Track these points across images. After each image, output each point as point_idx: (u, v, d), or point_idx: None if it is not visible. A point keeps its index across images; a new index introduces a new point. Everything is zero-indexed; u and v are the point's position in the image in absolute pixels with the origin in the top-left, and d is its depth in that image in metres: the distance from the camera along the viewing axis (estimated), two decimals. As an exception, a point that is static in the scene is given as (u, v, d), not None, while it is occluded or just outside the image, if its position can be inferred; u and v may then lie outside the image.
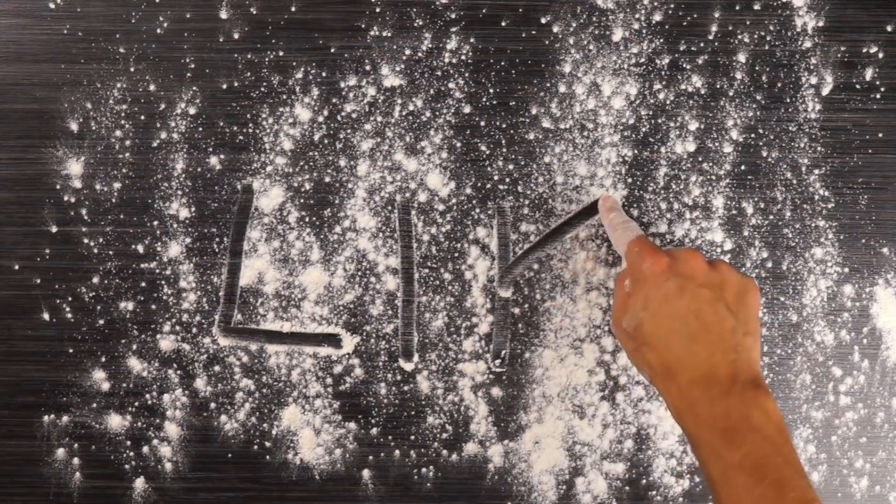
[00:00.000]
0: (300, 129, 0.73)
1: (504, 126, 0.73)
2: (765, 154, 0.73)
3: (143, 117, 0.73)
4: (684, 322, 0.56)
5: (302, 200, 0.73)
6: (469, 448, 0.73)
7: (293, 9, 0.73)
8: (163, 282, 0.73)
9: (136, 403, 0.73)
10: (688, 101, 0.73)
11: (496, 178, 0.73)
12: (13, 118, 0.73)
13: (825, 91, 0.73)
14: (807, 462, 0.73)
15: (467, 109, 0.73)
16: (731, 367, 0.55)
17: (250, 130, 0.73)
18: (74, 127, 0.73)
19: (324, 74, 0.73)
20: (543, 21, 0.73)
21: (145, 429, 0.73)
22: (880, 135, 0.73)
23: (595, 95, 0.73)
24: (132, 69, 0.73)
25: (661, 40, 0.73)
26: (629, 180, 0.73)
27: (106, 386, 0.73)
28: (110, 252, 0.73)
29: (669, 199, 0.73)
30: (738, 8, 0.73)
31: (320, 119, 0.73)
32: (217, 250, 0.73)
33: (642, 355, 0.58)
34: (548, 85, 0.73)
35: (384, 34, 0.73)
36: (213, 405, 0.73)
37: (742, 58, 0.73)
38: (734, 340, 0.56)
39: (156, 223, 0.73)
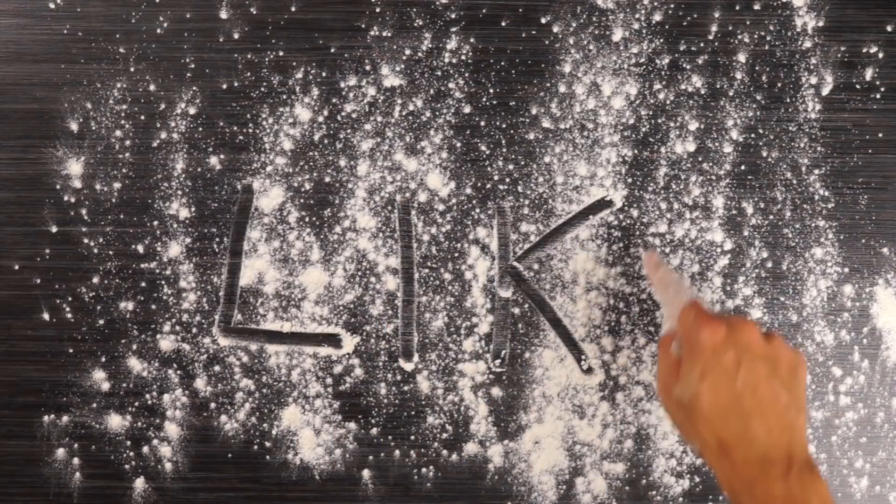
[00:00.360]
0: (300, 129, 0.73)
1: (504, 126, 0.73)
2: (765, 154, 0.73)
3: (143, 117, 0.73)
4: (741, 397, 0.55)
5: (302, 200, 0.73)
6: (469, 448, 0.73)
7: (293, 9, 0.73)
8: (163, 282, 0.73)
9: (136, 403, 0.73)
10: (688, 101, 0.73)
11: (496, 178, 0.73)
12: (13, 118, 0.73)
13: (825, 91, 0.73)
14: (807, 462, 0.73)
15: (467, 109, 0.73)
16: (788, 447, 0.55)
17: (250, 130, 0.73)
18: (74, 127, 0.73)
19: (324, 74, 0.73)
20: (543, 21, 0.73)
21: (145, 429, 0.73)
22: (880, 135, 0.73)
23: (595, 95, 0.73)
24: (132, 69, 0.73)
25: (661, 40, 0.73)
26: (629, 180, 0.73)
27: (106, 386, 0.73)
28: (110, 252, 0.73)
29: (669, 199, 0.73)
30: (738, 8, 0.73)
31: (320, 119, 0.73)
32: (217, 250, 0.73)
33: (695, 428, 0.57)
34: (548, 85, 0.73)
35: (384, 34, 0.73)
36: (213, 405, 0.73)
37: (742, 58, 0.73)
38: (788, 419, 0.55)
39: (156, 223, 0.73)
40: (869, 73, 0.73)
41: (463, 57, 0.73)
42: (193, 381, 0.73)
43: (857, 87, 0.73)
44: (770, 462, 0.54)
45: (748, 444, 0.55)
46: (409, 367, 0.73)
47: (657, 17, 0.73)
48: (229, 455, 0.73)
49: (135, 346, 0.73)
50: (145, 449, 0.73)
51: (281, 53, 0.73)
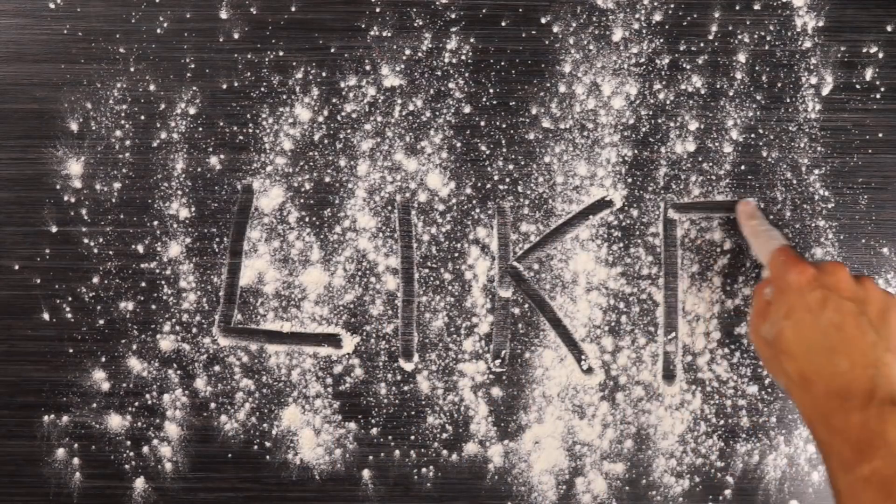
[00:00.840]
0: (300, 129, 0.73)
1: (504, 126, 0.73)
2: (765, 154, 0.73)
3: (143, 117, 0.73)
4: (826, 333, 0.57)
5: (302, 200, 0.73)
6: (469, 448, 0.73)
7: (293, 9, 0.73)
8: (163, 282, 0.73)
9: (136, 403, 0.73)
10: (688, 101, 0.73)
11: (496, 178, 0.73)
12: (13, 118, 0.73)
13: (825, 91, 0.73)
14: (807, 462, 0.73)
15: (467, 109, 0.73)
16: (870, 381, 0.56)
17: (250, 130, 0.73)
18: (74, 127, 0.73)
19: (324, 74, 0.73)
20: (543, 21, 0.73)
21: (145, 429, 0.73)
22: (880, 135, 0.73)
23: (595, 95, 0.73)
24: (132, 69, 0.73)
25: (661, 40, 0.73)
26: (629, 180, 0.73)
27: (106, 386, 0.73)
28: (110, 252, 0.73)
29: (669, 199, 0.73)
30: (738, 8, 0.73)
31: (320, 119, 0.73)
32: (217, 250, 0.73)
33: (780, 364, 0.59)
34: (548, 85, 0.73)
35: (384, 34, 0.73)
36: (213, 405, 0.73)
37: (742, 58, 0.73)
38: (874, 356, 0.56)
39: (156, 223, 0.73)
40: (869, 73, 0.73)
41: (463, 57, 0.73)
42: (193, 381, 0.73)
43: (857, 87, 0.73)
44: (850, 394, 0.55)
45: (830, 378, 0.56)
46: (409, 367, 0.73)
47: (657, 17, 0.73)
48: (229, 455, 0.73)
49: (135, 346, 0.73)
50: (145, 449, 0.73)
51: (281, 53, 0.73)
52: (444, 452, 0.73)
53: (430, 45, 0.73)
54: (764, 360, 0.62)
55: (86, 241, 0.73)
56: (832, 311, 0.58)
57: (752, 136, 0.73)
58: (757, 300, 0.63)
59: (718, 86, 0.73)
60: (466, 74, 0.73)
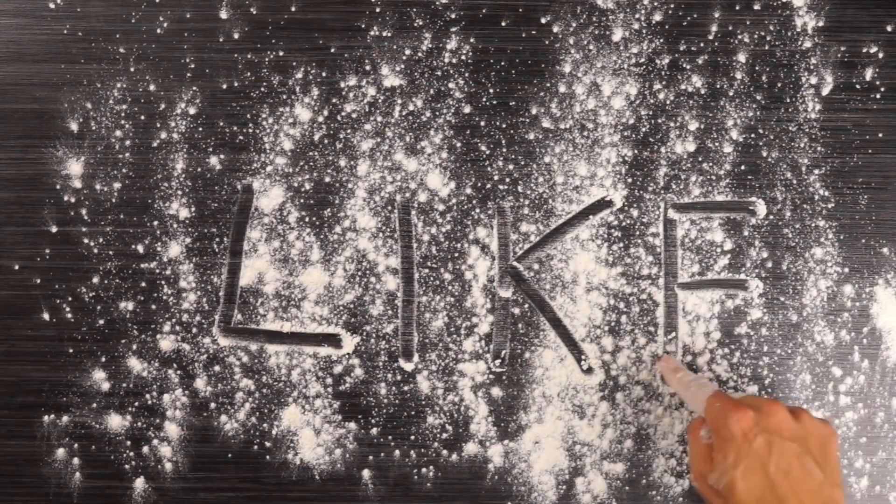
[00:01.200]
0: (300, 129, 0.73)
1: (504, 126, 0.73)
2: (765, 154, 0.73)
3: (143, 117, 0.73)
4: (775, 481, 0.56)
5: (302, 200, 0.73)
6: (469, 448, 0.73)
7: (293, 9, 0.73)
8: (163, 282, 0.73)
9: (136, 403, 0.73)
10: (688, 101, 0.73)
11: (496, 178, 0.73)
12: (13, 118, 0.73)
13: (825, 91, 0.73)
14: (807, 462, 0.73)
15: (467, 109, 0.73)
16: None
17: (250, 130, 0.73)
18: (74, 127, 0.73)
19: (324, 74, 0.73)
20: (543, 21, 0.73)
21: (145, 429, 0.73)
22: (880, 135, 0.73)
23: (595, 95, 0.73)
24: (132, 69, 0.73)
25: (661, 40, 0.73)
26: (629, 180, 0.73)
27: (106, 386, 0.73)
28: (110, 252, 0.73)
29: (669, 199, 0.73)
30: (738, 8, 0.73)
31: (320, 119, 0.73)
32: (217, 250, 0.73)
33: None
34: (548, 85, 0.73)
35: (384, 34, 0.73)
36: (213, 405, 0.73)
37: (742, 58, 0.73)
38: (823, 496, 0.57)
39: (156, 223, 0.73)
40: (869, 73, 0.73)
41: (463, 57, 0.73)
42: (193, 381, 0.73)
43: (857, 87, 0.73)
44: None
45: None
46: (409, 367, 0.73)
47: (657, 17, 0.73)
48: (229, 455, 0.73)
49: (135, 346, 0.73)
50: (145, 449, 0.73)
51: (281, 53, 0.73)
52: (444, 452, 0.73)
53: (430, 45, 0.73)
54: None
55: (86, 241, 0.73)
56: (778, 456, 0.57)
57: (752, 136, 0.73)
58: (695, 444, 0.62)
59: (718, 86, 0.73)
60: (466, 74, 0.73)
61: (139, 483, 0.73)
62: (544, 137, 0.73)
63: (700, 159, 0.73)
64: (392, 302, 0.73)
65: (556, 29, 0.73)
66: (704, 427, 0.62)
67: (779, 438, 0.57)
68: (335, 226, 0.73)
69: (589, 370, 0.73)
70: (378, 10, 0.73)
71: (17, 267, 0.73)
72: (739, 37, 0.73)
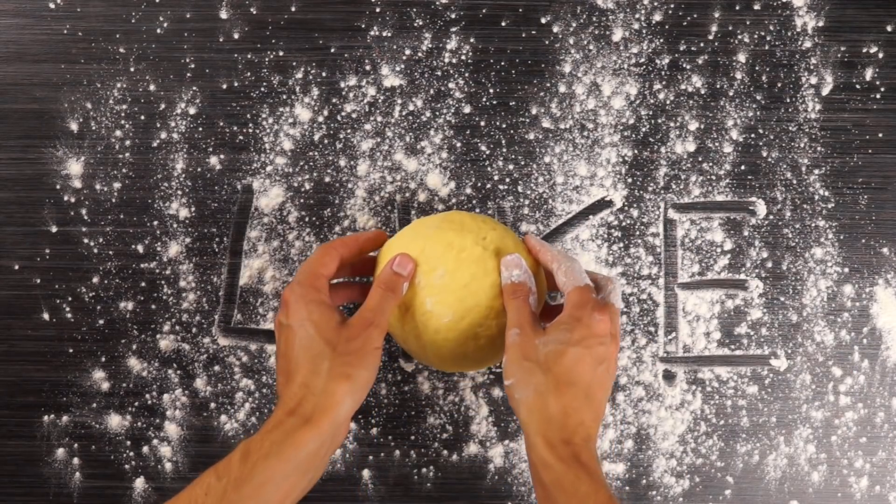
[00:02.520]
0: (300, 129, 0.73)
1: (504, 126, 0.73)
2: (765, 154, 0.73)
3: (143, 117, 0.73)
4: (591, 383, 0.58)
5: (302, 200, 0.73)
6: (469, 448, 0.73)
7: (293, 9, 0.73)
8: (163, 282, 0.73)
9: (136, 403, 0.73)
10: (688, 101, 0.73)
11: (496, 178, 0.73)
12: (13, 118, 0.73)
13: (825, 91, 0.73)
14: (807, 462, 0.73)
15: (467, 109, 0.73)
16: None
17: (250, 130, 0.73)
18: (74, 127, 0.73)
19: (324, 74, 0.73)
20: (543, 21, 0.73)
21: (145, 429, 0.73)
22: (880, 135, 0.73)
23: (595, 95, 0.73)
24: (132, 69, 0.73)
25: (661, 40, 0.73)
26: (629, 180, 0.73)
27: (106, 386, 0.73)
28: (110, 252, 0.73)
29: (669, 199, 0.73)
30: (738, 8, 0.73)
31: (320, 119, 0.73)
32: (217, 250, 0.73)
33: (537, 377, 0.57)
34: (548, 85, 0.73)
35: (384, 34, 0.73)
36: (213, 405, 0.73)
37: (742, 58, 0.73)
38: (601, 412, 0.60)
39: (156, 223, 0.73)
40: (869, 73, 0.73)
41: (463, 57, 0.73)
42: (193, 381, 0.73)
43: (857, 87, 0.73)
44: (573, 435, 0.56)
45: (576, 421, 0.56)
46: (409, 367, 0.73)
47: (657, 17, 0.73)
48: (229, 455, 0.73)
49: (135, 346, 0.73)
50: (145, 449, 0.73)
51: (281, 53, 0.73)
52: (445, 452, 0.73)
53: (430, 45, 0.73)
54: (512, 361, 0.58)
55: (86, 241, 0.73)
56: (605, 367, 0.58)
57: (752, 136, 0.73)
58: (524, 306, 0.59)
59: (718, 86, 0.73)
60: (466, 74, 0.73)
61: (139, 483, 0.73)
62: (544, 137, 0.73)
63: (700, 159, 0.73)
64: (392, 302, 0.73)
65: (556, 29, 0.73)
66: (533, 294, 0.59)
67: (615, 356, 0.59)
68: (335, 226, 0.73)
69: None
70: (378, 10, 0.73)
71: (17, 267, 0.73)
72: (739, 37, 0.73)
